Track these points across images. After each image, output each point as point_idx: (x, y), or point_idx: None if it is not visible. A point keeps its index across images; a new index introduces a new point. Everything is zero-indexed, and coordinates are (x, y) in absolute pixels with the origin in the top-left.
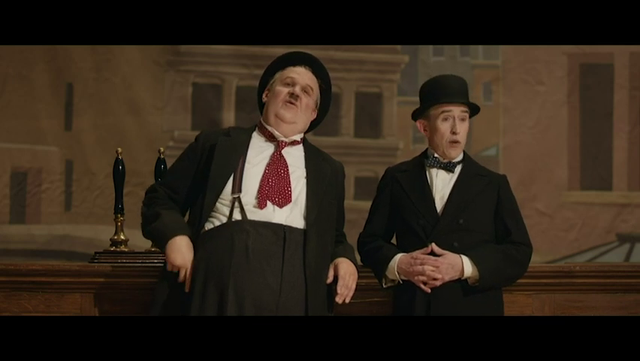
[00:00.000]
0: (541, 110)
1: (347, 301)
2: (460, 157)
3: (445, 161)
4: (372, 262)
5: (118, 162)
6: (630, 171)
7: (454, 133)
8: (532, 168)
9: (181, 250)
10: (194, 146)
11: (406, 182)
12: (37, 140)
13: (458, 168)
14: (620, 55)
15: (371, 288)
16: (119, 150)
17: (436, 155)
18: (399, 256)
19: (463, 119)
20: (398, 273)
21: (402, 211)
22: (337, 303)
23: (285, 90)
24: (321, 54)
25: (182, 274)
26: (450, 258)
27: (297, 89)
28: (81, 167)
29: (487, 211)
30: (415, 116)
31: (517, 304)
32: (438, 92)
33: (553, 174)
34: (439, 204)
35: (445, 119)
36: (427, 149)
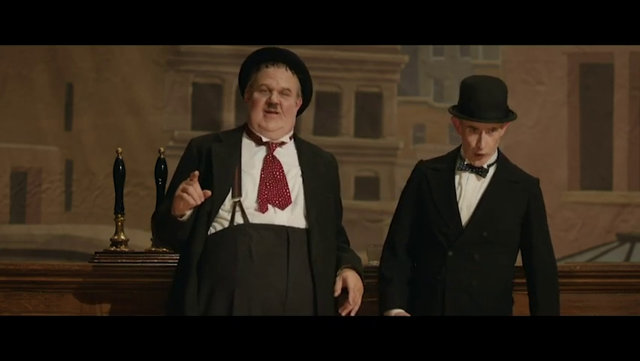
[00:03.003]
0: (541, 110)
1: (352, 314)
2: (492, 159)
3: (477, 166)
4: (381, 291)
5: (118, 162)
6: (630, 171)
7: (479, 148)
8: (532, 168)
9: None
10: (189, 155)
11: (434, 183)
12: (37, 140)
13: (490, 172)
14: (620, 55)
15: (371, 288)
16: (119, 150)
17: (466, 161)
18: (395, 312)
19: (492, 130)
20: None
21: (426, 213)
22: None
23: (263, 99)
24: (321, 54)
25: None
26: None
27: (275, 97)
28: (81, 167)
29: (514, 222)
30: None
31: (517, 304)
32: (466, 105)
33: (553, 174)
34: (465, 214)
35: (472, 131)
36: (460, 147)
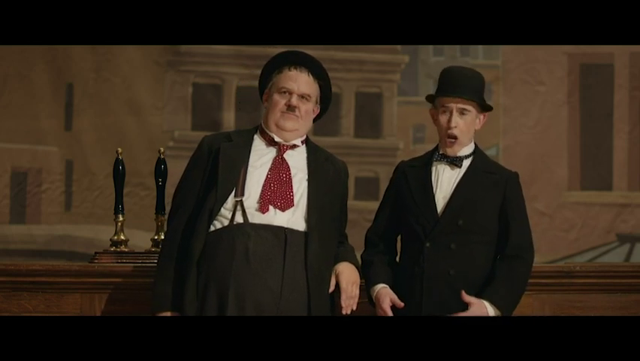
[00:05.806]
0: (541, 110)
1: (354, 308)
2: (468, 151)
3: (452, 156)
4: (364, 274)
5: (118, 162)
6: (630, 171)
7: (449, 128)
8: (532, 168)
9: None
10: (200, 154)
11: (412, 178)
12: (37, 140)
13: (466, 163)
14: (620, 55)
15: None
16: (119, 150)
17: (441, 151)
18: (379, 288)
19: (462, 113)
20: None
21: (404, 208)
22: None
23: (282, 101)
24: (321, 54)
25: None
26: (475, 310)
27: (294, 100)
28: (81, 167)
29: (490, 212)
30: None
31: (518, 304)
32: (440, 84)
33: (553, 174)
34: (441, 204)
35: (444, 111)
36: (438, 144)
